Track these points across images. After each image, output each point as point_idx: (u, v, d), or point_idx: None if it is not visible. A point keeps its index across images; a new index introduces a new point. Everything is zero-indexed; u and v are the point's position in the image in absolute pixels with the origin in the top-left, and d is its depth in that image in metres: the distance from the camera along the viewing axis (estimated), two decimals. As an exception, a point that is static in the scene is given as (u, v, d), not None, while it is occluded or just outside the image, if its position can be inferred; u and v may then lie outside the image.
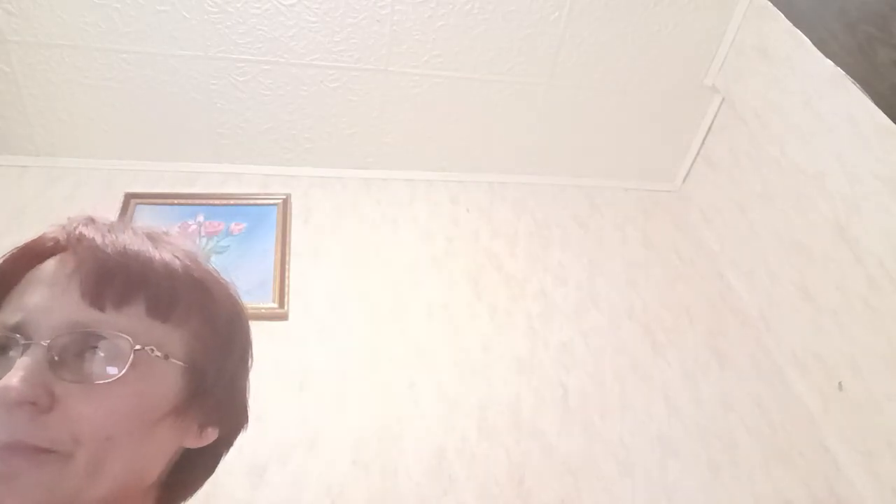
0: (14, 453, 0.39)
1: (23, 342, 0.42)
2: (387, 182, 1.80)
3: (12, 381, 0.40)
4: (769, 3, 1.54)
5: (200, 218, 1.60)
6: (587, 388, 1.41)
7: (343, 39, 1.58)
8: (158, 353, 0.45)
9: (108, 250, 0.45)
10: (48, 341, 0.42)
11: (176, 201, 1.62)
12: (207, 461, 0.55)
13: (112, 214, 1.54)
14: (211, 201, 1.64)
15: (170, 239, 0.50)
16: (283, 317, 1.43)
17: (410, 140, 1.78)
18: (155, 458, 0.47)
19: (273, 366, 1.34)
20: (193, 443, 0.50)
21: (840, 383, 1.37)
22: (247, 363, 0.55)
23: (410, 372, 1.38)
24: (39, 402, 0.40)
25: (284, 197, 1.68)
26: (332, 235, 1.63)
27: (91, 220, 0.47)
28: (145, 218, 1.56)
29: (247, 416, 0.58)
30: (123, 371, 0.42)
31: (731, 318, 1.62)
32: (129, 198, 1.60)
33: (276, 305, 1.43)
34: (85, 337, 0.43)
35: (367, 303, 1.50)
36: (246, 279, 1.47)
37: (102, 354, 0.43)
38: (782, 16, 1.50)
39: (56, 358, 0.42)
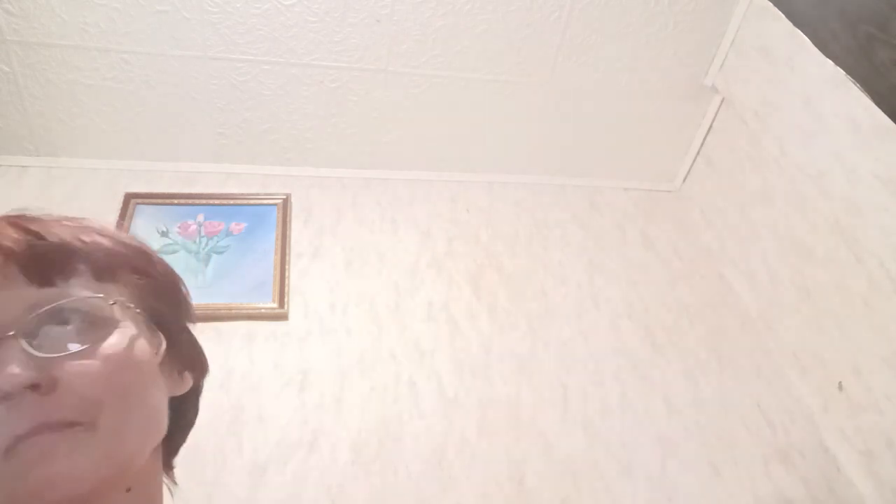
0: (41, 434, 0.38)
1: None
2: (387, 182, 1.81)
3: (4, 375, 0.38)
4: (769, 3, 1.54)
5: (200, 218, 1.60)
6: (587, 388, 1.41)
7: (343, 39, 1.58)
8: (130, 305, 0.45)
9: (31, 235, 0.45)
10: (13, 332, 0.40)
11: (176, 201, 1.62)
12: (190, 407, 0.58)
13: (112, 214, 1.54)
14: (211, 201, 1.64)
15: (89, 223, 0.50)
16: (283, 317, 1.43)
17: (410, 140, 1.78)
18: (161, 407, 0.48)
19: (273, 366, 1.34)
20: (179, 389, 0.52)
21: (840, 383, 1.37)
22: (191, 310, 0.57)
23: (410, 372, 1.38)
24: (42, 383, 0.39)
25: (284, 197, 1.68)
26: (332, 235, 1.63)
27: None
28: (145, 218, 1.57)
29: (206, 360, 0.60)
30: (106, 329, 0.43)
31: (731, 318, 1.62)
32: (129, 198, 1.60)
33: (276, 305, 1.43)
34: (53, 313, 0.42)
35: (367, 303, 1.50)
36: (246, 279, 1.48)
37: (78, 322, 0.42)
38: (783, 16, 1.50)
39: (34, 342, 0.40)
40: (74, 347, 0.41)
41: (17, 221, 0.46)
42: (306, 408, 1.29)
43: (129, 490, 0.44)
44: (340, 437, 1.25)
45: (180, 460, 1.20)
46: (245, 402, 1.28)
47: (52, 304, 0.42)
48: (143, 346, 0.45)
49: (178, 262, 1.48)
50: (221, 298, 1.43)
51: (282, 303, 1.44)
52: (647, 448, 1.32)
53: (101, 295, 0.44)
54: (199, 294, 1.43)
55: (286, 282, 1.48)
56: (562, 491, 1.24)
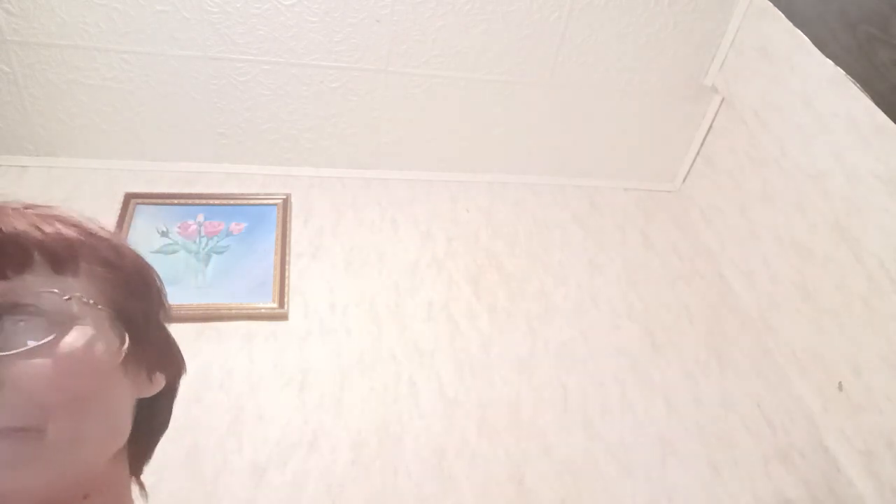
0: None
1: None
2: (387, 182, 1.81)
3: None
4: (769, 3, 1.54)
5: (200, 218, 1.60)
6: (587, 388, 1.41)
7: (343, 39, 1.58)
8: (90, 301, 0.42)
9: None
10: None
11: (176, 201, 1.62)
12: (162, 409, 0.54)
13: (112, 214, 1.54)
14: (211, 201, 1.64)
15: (52, 211, 0.47)
16: (283, 317, 1.43)
17: (410, 140, 1.78)
18: (121, 412, 0.45)
19: (273, 366, 1.34)
20: (147, 391, 0.49)
21: (840, 383, 1.37)
22: (165, 305, 0.53)
23: (410, 372, 1.38)
24: None
25: (284, 197, 1.68)
26: (332, 235, 1.63)
27: None
28: (145, 218, 1.57)
29: (183, 359, 0.55)
30: (59, 327, 0.39)
31: (731, 318, 1.62)
32: (129, 198, 1.60)
33: (276, 305, 1.43)
34: (3, 308, 0.39)
35: (367, 303, 1.50)
36: (246, 279, 1.48)
37: (30, 319, 0.39)
38: (782, 16, 1.50)
39: None
40: (24, 346, 0.38)
41: None
42: (306, 408, 1.29)
43: (86, 497, 0.42)
44: (340, 437, 1.25)
45: (180, 460, 1.20)
46: (245, 402, 1.28)
47: (2, 301, 0.39)
48: (101, 345, 0.42)
49: (178, 262, 1.48)
50: (221, 298, 1.43)
51: (282, 303, 1.44)
52: (647, 448, 1.32)
53: (56, 290, 0.40)
54: (199, 294, 1.43)
55: (286, 282, 1.48)
56: (562, 491, 1.24)
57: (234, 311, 1.41)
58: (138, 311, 0.47)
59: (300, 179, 1.75)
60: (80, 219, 0.48)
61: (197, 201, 1.63)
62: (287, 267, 1.52)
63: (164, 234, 1.54)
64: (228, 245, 1.55)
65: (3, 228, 0.41)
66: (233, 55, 1.56)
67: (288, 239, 1.58)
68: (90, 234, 0.47)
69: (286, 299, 1.45)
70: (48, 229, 0.44)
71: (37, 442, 0.38)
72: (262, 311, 1.42)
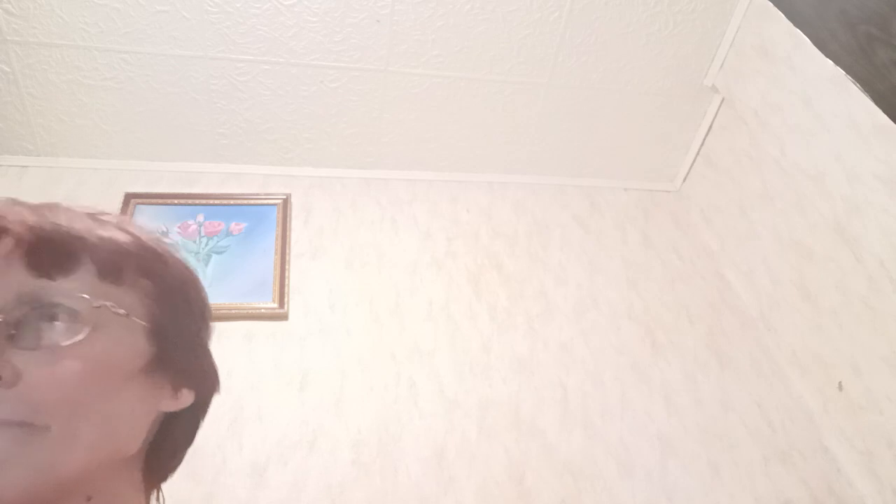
0: None
1: None
2: (387, 182, 1.81)
3: None
4: (769, 3, 1.54)
5: (200, 218, 1.60)
6: (587, 388, 1.41)
7: (343, 39, 1.58)
8: (120, 311, 0.44)
9: (46, 225, 0.44)
10: (1, 318, 0.40)
11: (176, 201, 1.62)
12: (187, 426, 0.54)
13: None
14: (211, 201, 1.64)
15: (111, 218, 0.49)
16: (283, 317, 1.43)
17: (410, 140, 1.78)
18: (131, 421, 0.46)
19: (273, 366, 1.34)
20: (170, 406, 0.49)
21: (840, 383, 1.37)
22: (208, 323, 0.54)
23: (410, 372, 1.38)
24: (4, 376, 0.38)
25: (284, 197, 1.68)
26: (332, 235, 1.64)
27: (16, 202, 0.46)
28: (145, 218, 1.57)
29: (218, 378, 0.56)
30: (86, 331, 0.41)
31: (731, 318, 1.62)
32: (129, 198, 1.60)
33: (276, 305, 1.43)
34: (39, 307, 0.41)
35: (367, 303, 1.50)
36: (246, 279, 1.48)
37: (61, 320, 0.41)
38: (782, 16, 1.50)
39: (13, 332, 0.40)
40: (48, 344, 0.40)
41: (38, 209, 0.45)
42: (306, 408, 1.29)
43: (89, 500, 0.43)
44: (340, 437, 1.25)
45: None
46: (245, 402, 1.28)
47: (40, 299, 0.41)
48: (121, 355, 0.44)
49: (178, 262, 1.48)
50: (221, 298, 1.43)
51: (282, 303, 1.44)
52: (647, 448, 1.32)
53: (88, 295, 0.42)
54: (199, 294, 1.43)
55: (286, 282, 1.48)
56: (562, 491, 1.24)
57: (234, 311, 1.41)
58: (173, 326, 0.48)
59: (300, 179, 1.75)
60: (136, 228, 0.49)
61: (197, 201, 1.63)
62: (287, 267, 1.52)
63: (164, 234, 1.54)
64: (228, 245, 1.55)
65: (60, 231, 0.44)
66: (233, 55, 1.56)
67: (288, 239, 1.58)
68: (142, 244, 0.48)
69: (286, 299, 1.45)
70: (104, 234, 0.45)
71: (37, 438, 0.39)
72: (262, 311, 1.42)
